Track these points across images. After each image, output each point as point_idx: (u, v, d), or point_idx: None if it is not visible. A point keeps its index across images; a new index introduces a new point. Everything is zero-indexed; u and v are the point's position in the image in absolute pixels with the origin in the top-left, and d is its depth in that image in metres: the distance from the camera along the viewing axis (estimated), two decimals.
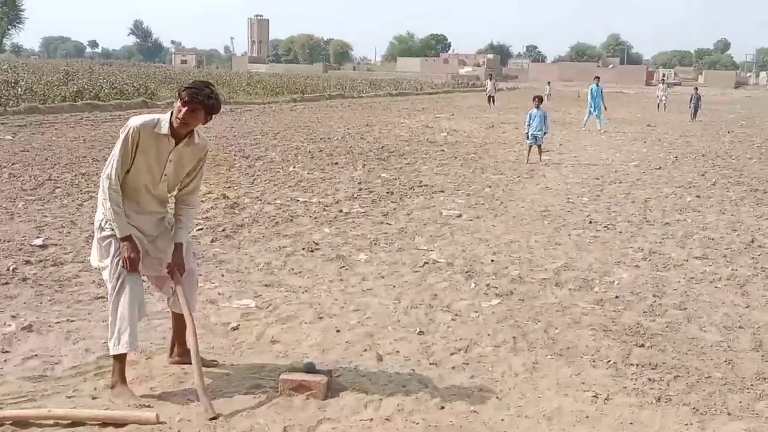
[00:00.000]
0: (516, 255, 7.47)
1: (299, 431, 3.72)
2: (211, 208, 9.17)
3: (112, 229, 3.97)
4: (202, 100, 3.92)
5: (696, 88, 33.00)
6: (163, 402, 3.97)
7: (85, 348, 4.63)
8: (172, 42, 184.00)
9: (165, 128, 3.97)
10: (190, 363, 4.40)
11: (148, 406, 3.86)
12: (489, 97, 37.07)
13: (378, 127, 22.27)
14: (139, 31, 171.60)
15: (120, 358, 4.01)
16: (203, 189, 10.27)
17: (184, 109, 3.92)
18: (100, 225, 4.05)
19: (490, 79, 38.88)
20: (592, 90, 24.24)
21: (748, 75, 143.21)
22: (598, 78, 25.46)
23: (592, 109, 24.23)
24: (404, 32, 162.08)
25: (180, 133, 4.01)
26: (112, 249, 3.98)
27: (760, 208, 10.43)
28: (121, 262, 3.94)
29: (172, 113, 3.98)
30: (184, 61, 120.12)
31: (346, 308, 5.67)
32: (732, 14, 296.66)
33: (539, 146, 15.10)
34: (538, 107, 15.11)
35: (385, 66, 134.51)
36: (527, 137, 15.02)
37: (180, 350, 4.47)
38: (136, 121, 4.00)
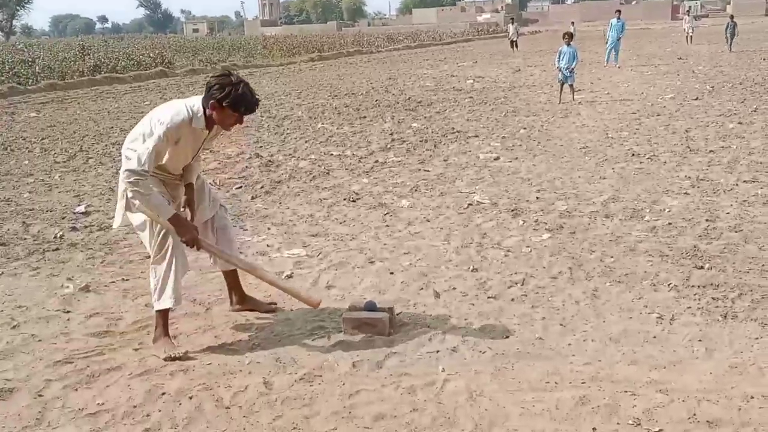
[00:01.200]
0: (561, 191, 7.45)
1: (368, 366, 3.80)
2: (247, 167, 9.24)
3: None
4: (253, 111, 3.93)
5: (732, 16, 31.96)
6: (229, 348, 4.07)
7: (144, 303, 4.74)
8: (182, 11, 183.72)
9: (201, 123, 3.91)
10: (250, 310, 4.54)
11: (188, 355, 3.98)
12: (512, 41, 36.56)
13: (401, 79, 22.11)
14: (149, 2, 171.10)
15: (163, 314, 4.08)
16: (235, 150, 10.36)
17: (235, 120, 3.90)
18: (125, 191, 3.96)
19: (512, 23, 38.27)
20: (612, 24, 24.47)
21: None
22: (619, 12, 25.49)
23: (610, 43, 24.36)
24: None
25: (212, 124, 3.98)
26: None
27: None
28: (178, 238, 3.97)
29: (204, 105, 3.88)
30: (195, 30, 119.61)
31: (396, 252, 5.72)
32: None
33: (571, 86, 14.98)
34: (568, 44, 15.04)
35: (401, 19, 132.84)
36: (560, 73, 14.94)
37: (238, 298, 4.58)
38: (172, 119, 3.84)
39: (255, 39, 54.59)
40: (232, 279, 4.58)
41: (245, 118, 3.97)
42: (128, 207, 4.04)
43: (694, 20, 38.40)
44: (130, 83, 23.16)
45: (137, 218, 4.07)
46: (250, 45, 44.47)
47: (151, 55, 29.57)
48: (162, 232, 3.97)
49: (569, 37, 15.39)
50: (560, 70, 14.95)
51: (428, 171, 8.78)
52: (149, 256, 4.13)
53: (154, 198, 3.86)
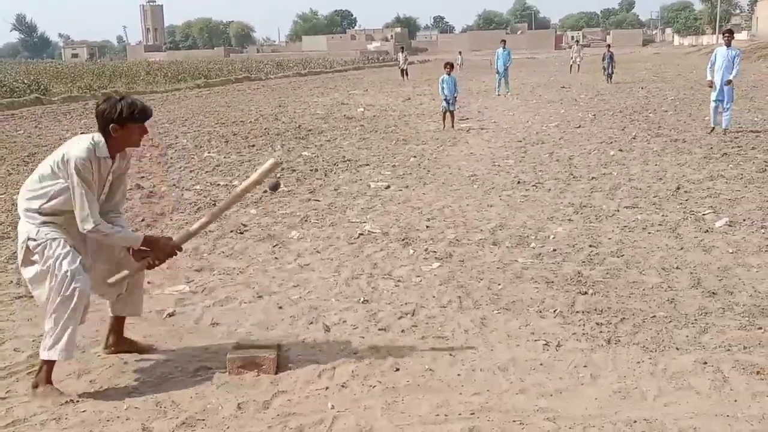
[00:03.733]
0: (450, 219, 7.59)
1: (254, 407, 3.70)
2: (128, 199, 8.92)
3: (45, 235, 3.80)
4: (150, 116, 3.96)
5: (608, 46, 33.21)
6: (105, 394, 3.88)
7: (14, 348, 4.47)
8: (60, 35, 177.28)
9: (105, 151, 3.84)
10: (127, 351, 4.37)
11: (74, 402, 3.78)
12: (402, 70, 37.27)
13: (291, 107, 22.09)
14: (23, 25, 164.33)
15: (50, 363, 3.87)
16: None
17: (140, 131, 3.92)
18: (27, 237, 3.84)
19: (402, 52, 39.04)
20: (498, 53, 25.33)
21: (654, 32, 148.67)
22: (504, 41, 26.48)
23: (498, 74, 25.23)
24: (307, 10, 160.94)
25: (117, 151, 3.95)
26: (56, 250, 3.81)
27: (682, 156, 10.89)
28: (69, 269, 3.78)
29: (104, 134, 3.85)
30: (75, 55, 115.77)
31: (285, 285, 5.65)
32: None
33: (452, 112, 15.62)
34: (449, 74, 15.74)
35: (291, 46, 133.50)
36: (443, 102, 15.64)
37: (114, 339, 4.40)
38: (78, 153, 3.74)
39: (138, 65, 53.39)
40: (118, 323, 4.40)
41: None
42: (25, 261, 3.88)
43: (581, 49, 40.20)
44: (1, 111, 22.06)
45: (30, 271, 3.87)
46: (132, 71, 43.42)
47: (25, 81, 28.39)
48: (68, 283, 3.75)
49: (450, 67, 16.12)
50: (444, 99, 15.52)
51: (319, 200, 8.75)
52: (22, 297, 3.91)
53: (117, 236, 3.90)
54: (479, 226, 7.25)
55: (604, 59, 30.44)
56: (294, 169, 10.90)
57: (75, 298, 3.76)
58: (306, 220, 7.76)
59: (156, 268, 4.14)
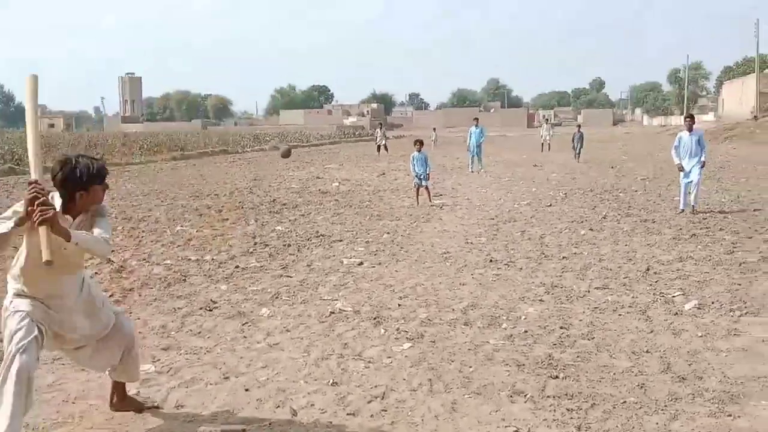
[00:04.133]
0: (422, 298, 7.57)
1: None
2: (96, 273, 8.82)
3: (12, 306, 3.82)
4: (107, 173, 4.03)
5: (579, 126, 33.80)
6: None
7: None
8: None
9: (58, 207, 3.81)
10: (129, 410, 4.55)
11: None
12: (379, 146, 37.73)
13: (267, 180, 22.20)
14: (0, 95, 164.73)
15: None
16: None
17: (102, 189, 3.98)
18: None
19: (380, 128, 39.62)
20: (471, 131, 26.07)
21: (624, 112, 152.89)
22: (477, 119, 27.48)
23: (471, 150, 25.84)
24: (285, 84, 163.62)
25: (81, 211, 3.96)
26: (14, 323, 3.75)
27: (651, 237, 11.04)
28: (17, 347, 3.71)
29: (67, 198, 3.87)
30: (51, 125, 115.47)
31: (254, 365, 5.55)
32: (605, 54, 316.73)
33: (426, 188, 15.77)
34: (419, 150, 15.97)
35: (268, 120, 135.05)
36: (415, 178, 15.87)
37: (118, 399, 4.58)
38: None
39: (114, 136, 53.50)
40: (118, 385, 4.57)
41: None
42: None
43: (552, 128, 41.10)
44: None
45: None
46: (109, 142, 43.43)
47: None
48: (11, 358, 3.66)
49: (420, 144, 16.41)
50: (416, 176, 15.75)
51: (291, 277, 8.71)
52: None
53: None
54: (451, 305, 7.24)
55: (573, 139, 31.10)
56: (267, 243, 10.87)
57: (15, 375, 3.64)
58: (277, 297, 7.70)
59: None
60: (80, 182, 3.81)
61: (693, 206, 13.40)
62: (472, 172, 24.86)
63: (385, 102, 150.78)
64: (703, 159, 13.49)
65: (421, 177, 15.66)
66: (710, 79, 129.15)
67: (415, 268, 9.09)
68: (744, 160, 27.93)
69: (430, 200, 15.68)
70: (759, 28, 70.27)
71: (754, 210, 13.65)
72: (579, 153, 30.25)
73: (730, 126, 53.69)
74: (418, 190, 15.78)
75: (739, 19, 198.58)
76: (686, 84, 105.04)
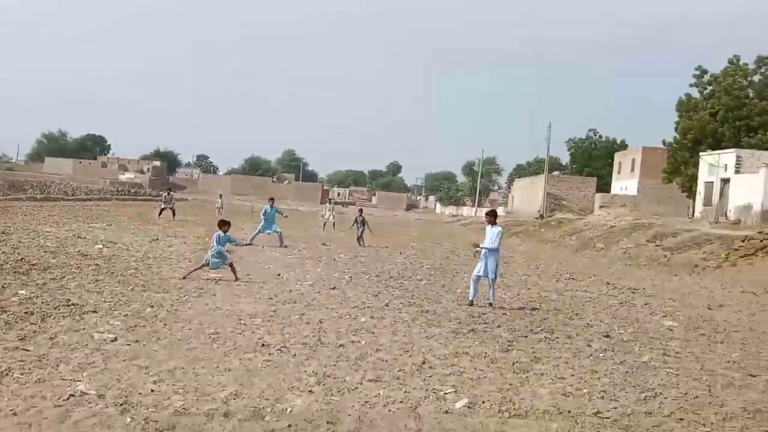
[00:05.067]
0: (181, 383, 7.27)
1: None
2: None
3: None
4: None
5: (360, 210, 34.14)
6: None
7: None
8: None
9: None
10: None
11: None
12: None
13: (17, 235, 20.69)
14: None
15: None
16: None
17: None
18: None
19: (168, 193, 38.85)
20: (266, 210, 27.27)
21: (418, 198, 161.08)
22: (272, 200, 29.11)
23: (263, 227, 26.80)
24: (55, 130, 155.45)
25: None
26: None
27: (431, 329, 11.47)
28: None
29: None
30: None
31: None
32: (404, 139, 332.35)
33: (230, 265, 15.87)
34: (225, 232, 16.36)
35: (30, 167, 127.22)
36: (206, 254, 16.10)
37: None
38: None
39: None
40: None
41: None
42: None
43: (335, 207, 42.42)
44: None
45: None
46: None
47: None
48: None
49: (227, 225, 16.71)
50: (211, 255, 15.79)
51: (28, 351, 8.05)
52: None
53: None
54: (212, 393, 7.00)
55: (356, 222, 30.70)
56: (4, 309, 10.01)
57: None
58: (7, 374, 7.06)
59: None
60: None
61: (490, 302, 14.41)
62: (249, 244, 24.55)
63: (168, 160, 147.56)
64: (490, 245, 14.50)
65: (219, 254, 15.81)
66: (503, 175, 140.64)
67: (177, 349, 8.74)
68: (528, 257, 30.15)
69: (236, 277, 15.62)
70: (550, 131, 77.60)
71: (532, 309, 14.66)
72: (362, 236, 29.97)
73: (519, 222, 58.17)
74: (202, 266, 15.78)
75: (535, 118, 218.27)
76: (480, 177, 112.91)
